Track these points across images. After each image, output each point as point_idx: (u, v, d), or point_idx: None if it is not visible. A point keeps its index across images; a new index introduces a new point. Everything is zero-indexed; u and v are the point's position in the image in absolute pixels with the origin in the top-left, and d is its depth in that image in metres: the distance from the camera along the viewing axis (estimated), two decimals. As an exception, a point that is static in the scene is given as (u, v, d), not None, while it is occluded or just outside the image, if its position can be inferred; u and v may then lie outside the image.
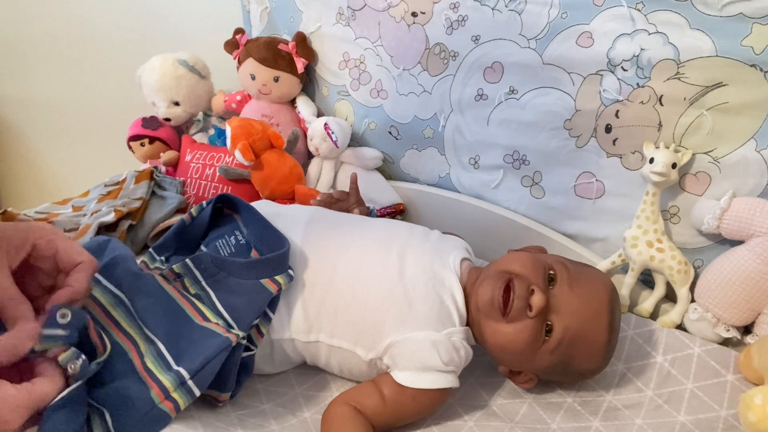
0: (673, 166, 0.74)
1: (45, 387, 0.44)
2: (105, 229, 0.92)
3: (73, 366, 0.48)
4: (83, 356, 0.49)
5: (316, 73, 1.12)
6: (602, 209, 0.84)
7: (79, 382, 0.49)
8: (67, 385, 0.48)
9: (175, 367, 0.55)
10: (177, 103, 1.19)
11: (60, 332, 0.48)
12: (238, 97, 1.18)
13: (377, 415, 0.61)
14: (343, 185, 1.05)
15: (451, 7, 0.91)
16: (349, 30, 1.03)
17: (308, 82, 1.14)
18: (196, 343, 0.57)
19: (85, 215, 0.97)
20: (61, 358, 0.48)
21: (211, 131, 1.20)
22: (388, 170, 1.09)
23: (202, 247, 0.69)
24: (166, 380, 0.54)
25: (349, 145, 1.07)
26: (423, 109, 0.99)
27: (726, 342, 0.72)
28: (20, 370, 0.46)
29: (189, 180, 1.08)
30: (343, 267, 0.65)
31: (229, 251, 0.67)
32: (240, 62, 1.13)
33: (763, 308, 0.70)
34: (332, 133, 1.03)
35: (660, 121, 0.76)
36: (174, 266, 0.62)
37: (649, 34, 0.74)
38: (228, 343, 0.56)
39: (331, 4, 1.04)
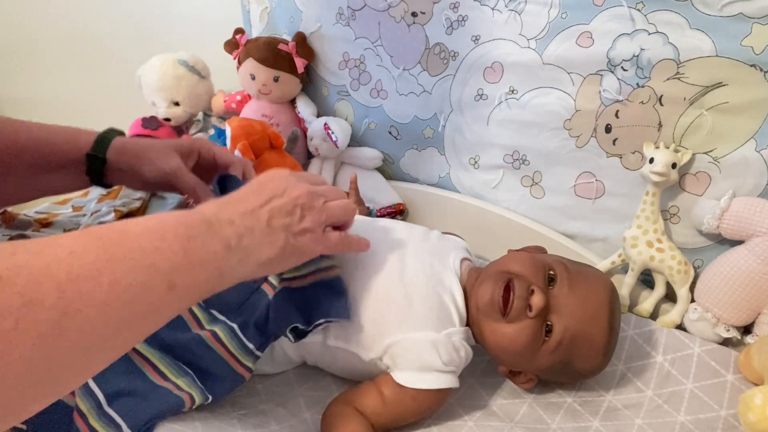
0: (673, 166, 0.74)
1: None
2: (105, 229, 0.91)
3: None
4: None
5: (316, 73, 1.12)
6: (602, 209, 0.84)
7: None
8: None
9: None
10: (177, 103, 1.19)
11: None
12: (238, 97, 1.18)
13: (377, 415, 0.61)
14: (343, 185, 1.05)
15: (451, 7, 0.91)
16: (349, 30, 1.03)
17: (308, 82, 1.14)
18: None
19: (85, 215, 0.96)
20: None
21: (211, 131, 1.19)
22: (388, 170, 1.09)
23: None
24: None
25: (349, 145, 1.07)
26: (423, 109, 0.99)
27: (726, 342, 0.72)
28: None
29: (189, 180, 1.07)
30: (343, 267, 0.65)
31: None
32: (240, 62, 1.13)
33: (763, 308, 0.70)
34: (332, 133, 1.03)
35: (660, 121, 0.76)
36: None
37: (649, 34, 0.74)
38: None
39: (331, 4, 1.04)
